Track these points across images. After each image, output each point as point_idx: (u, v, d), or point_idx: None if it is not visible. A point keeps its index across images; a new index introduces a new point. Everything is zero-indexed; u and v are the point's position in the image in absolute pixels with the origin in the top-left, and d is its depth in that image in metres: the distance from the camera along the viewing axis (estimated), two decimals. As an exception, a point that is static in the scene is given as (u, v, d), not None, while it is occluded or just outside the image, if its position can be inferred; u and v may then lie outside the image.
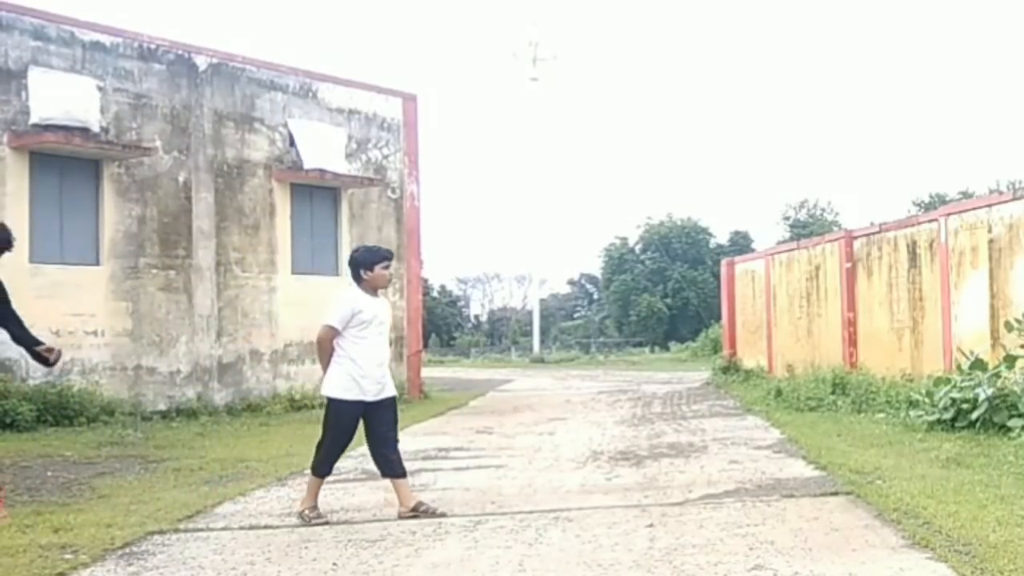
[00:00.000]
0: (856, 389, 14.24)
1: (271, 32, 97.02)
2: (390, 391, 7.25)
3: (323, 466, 7.11)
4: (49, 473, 9.33)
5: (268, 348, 17.09)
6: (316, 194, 18.25)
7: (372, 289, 7.21)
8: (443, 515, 6.95)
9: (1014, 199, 12.88)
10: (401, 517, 6.96)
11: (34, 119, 14.15)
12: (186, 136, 16.17)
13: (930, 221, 14.93)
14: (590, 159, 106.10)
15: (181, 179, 16.04)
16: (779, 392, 15.90)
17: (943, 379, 11.52)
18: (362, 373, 7.03)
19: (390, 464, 7.17)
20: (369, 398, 7.08)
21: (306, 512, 6.99)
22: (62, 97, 14.43)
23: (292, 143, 17.74)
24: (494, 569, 5.47)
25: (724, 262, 24.57)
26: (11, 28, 14.14)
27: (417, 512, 6.99)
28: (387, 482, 8.65)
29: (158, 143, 15.70)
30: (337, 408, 7.07)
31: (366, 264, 7.16)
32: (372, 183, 18.92)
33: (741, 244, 56.79)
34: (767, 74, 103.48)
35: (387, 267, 7.25)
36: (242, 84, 17.07)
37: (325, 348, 7.16)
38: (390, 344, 20.30)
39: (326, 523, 6.86)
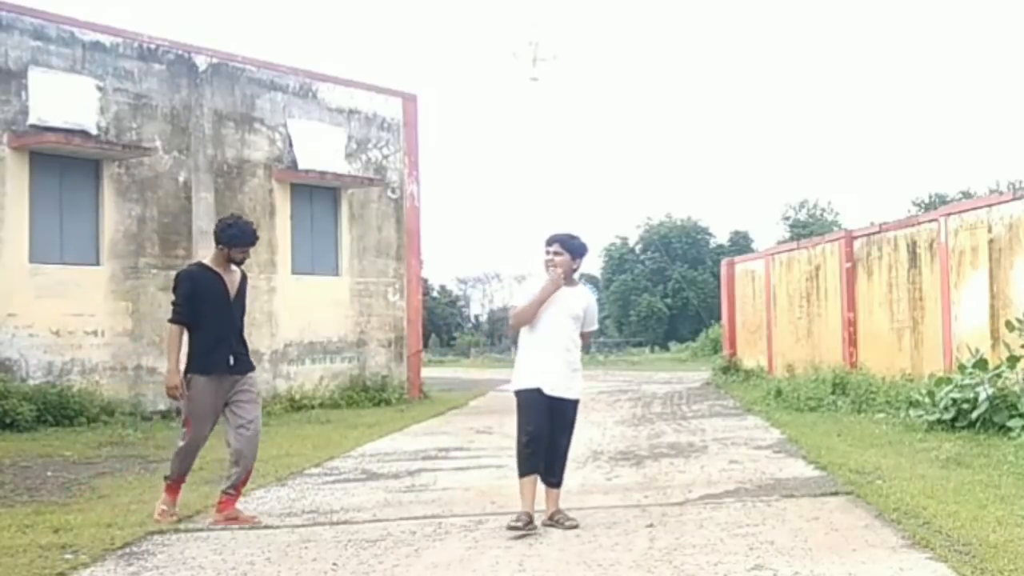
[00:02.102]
0: (856, 389, 14.25)
1: (271, 32, 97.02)
2: (567, 391, 6.58)
3: (521, 465, 6.49)
4: (49, 473, 9.32)
5: (268, 348, 17.08)
6: (316, 194, 18.25)
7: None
8: (575, 526, 6.40)
9: (1014, 199, 12.89)
10: (543, 524, 6.46)
11: (34, 119, 14.16)
12: (186, 136, 16.17)
13: (930, 221, 14.93)
14: (590, 159, 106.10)
15: (181, 179, 16.04)
16: (779, 392, 15.91)
17: (944, 379, 11.52)
18: (534, 365, 6.51)
19: (551, 472, 6.60)
20: (547, 391, 6.47)
21: (519, 519, 6.32)
22: (62, 97, 14.45)
23: (292, 143, 17.75)
24: (494, 569, 5.46)
25: (724, 262, 24.58)
26: (11, 28, 14.14)
27: (553, 520, 6.47)
28: (387, 482, 8.68)
29: (158, 143, 15.70)
30: (517, 399, 6.59)
31: None
32: (372, 183, 18.92)
33: (741, 244, 56.80)
34: (767, 74, 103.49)
35: (547, 252, 6.65)
36: (242, 84, 17.07)
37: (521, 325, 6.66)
38: (390, 344, 20.21)
39: (525, 532, 6.23)
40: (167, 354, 7.02)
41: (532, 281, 6.80)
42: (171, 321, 6.98)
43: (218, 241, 7.01)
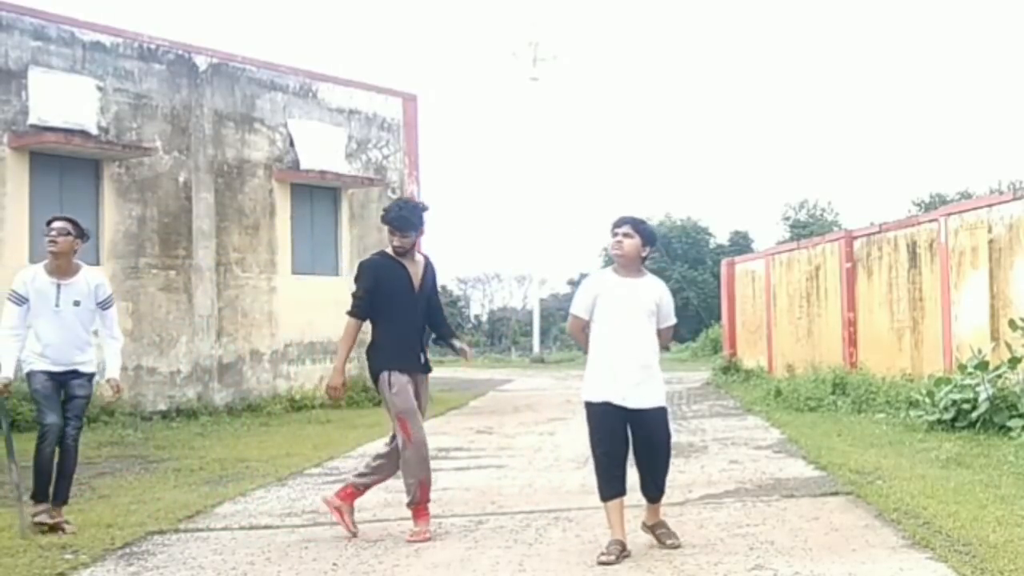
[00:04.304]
0: (856, 389, 14.24)
1: (271, 32, 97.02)
2: (644, 399, 5.72)
3: (601, 489, 5.79)
4: (49, 473, 9.29)
5: (268, 348, 17.08)
6: (316, 194, 18.25)
7: (626, 266, 5.86)
8: (677, 546, 5.78)
9: (1014, 199, 12.88)
10: (641, 529, 5.98)
11: (34, 119, 14.15)
12: (186, 136, 16.17)
13: (930, 221, 14.92)
14: (590, 159, 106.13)
15: (181, 179, 16.04)
16: (779, 392, 15.90)
17: (944, 379, 11.52)
18: (603, 372, 5.73)
19: (647, 488, 5.92)
20: (619, 402, 5.69)
21: (610, 551, 5.57)
22: (62, 97, 14.45)
23: (292, 143, 17.76)
24: (494, 569, 5.47)
25: (724, 262, 24.56)
26: (11, 28, 14.14)
27: (654, 532, 5.92)
28: (387, 482, 8.66)
29: (158, 143, 15.70)
30: (586, 413, 5.86)
31: None
32: (372, 183, 18.92)
33: (741, 244, 56.72)
34: (767, 74, 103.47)
35: (615, 233, 5.84)
36: (242, 84, 17.07)
37: (578, 339, 5.98)
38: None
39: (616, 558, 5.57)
40: (339, 348, 6.48)
41: (588, 282, 6.00)
42: (349, 314, 6.42)
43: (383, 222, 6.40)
